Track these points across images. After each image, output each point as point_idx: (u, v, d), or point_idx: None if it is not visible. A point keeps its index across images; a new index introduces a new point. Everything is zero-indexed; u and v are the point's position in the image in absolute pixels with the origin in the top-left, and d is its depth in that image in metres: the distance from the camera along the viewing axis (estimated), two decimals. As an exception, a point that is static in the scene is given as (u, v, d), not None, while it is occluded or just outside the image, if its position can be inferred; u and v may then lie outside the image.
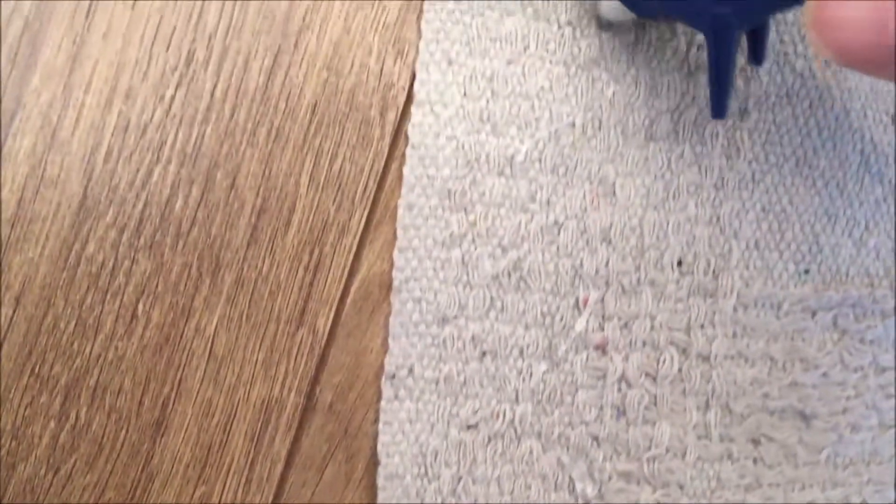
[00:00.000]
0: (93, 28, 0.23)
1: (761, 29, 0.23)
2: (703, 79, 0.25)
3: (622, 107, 0.25)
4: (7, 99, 0.23)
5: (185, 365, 0.23)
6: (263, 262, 0.24)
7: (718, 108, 0.22)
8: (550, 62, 0.24)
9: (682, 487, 0.25)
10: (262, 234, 0.24)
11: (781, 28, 0.25)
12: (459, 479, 0.24)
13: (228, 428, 0.24)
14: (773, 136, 0.25)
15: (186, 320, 0.24)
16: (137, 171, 0.23)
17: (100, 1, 0.23)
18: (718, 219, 0.25)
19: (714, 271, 0.25)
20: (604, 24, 0.24)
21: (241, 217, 0.24)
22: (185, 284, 0.24)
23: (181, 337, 0.24)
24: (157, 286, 0.23)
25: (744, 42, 0.24)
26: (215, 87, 0.24)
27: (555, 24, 0.24)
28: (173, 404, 0.23)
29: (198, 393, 0.24)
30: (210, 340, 0.24)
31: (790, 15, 0.25)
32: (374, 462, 0.24)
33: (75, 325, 0.23)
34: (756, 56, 0.23)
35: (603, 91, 0.24)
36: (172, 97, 0.23)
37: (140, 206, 0.23)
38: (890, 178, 0.26)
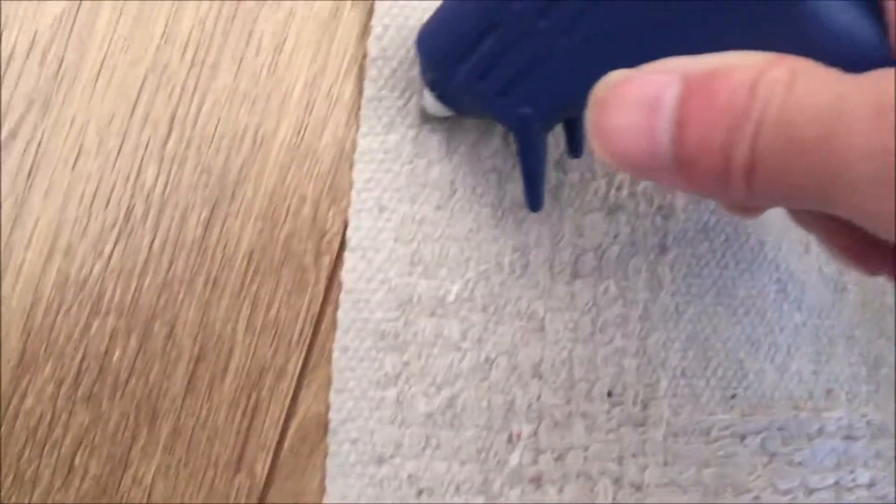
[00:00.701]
0: (34, 188, 0.24)
1: (575, 124, 0.24)
2: (623, 217, 0.26)
3: (548, 246, 0.26)
4: (-52, 257, 0.23)
5: (122, 515, 0.24)
6: (201, 408, 0.24)
7: (532, 201, 0.24)
8: (478, 205, 0.25)
9: None
10: (200, 381, 0.24)
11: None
12: None
13: (167, 576, 0.24)
14: (693, 269, 0.26)
15: (124, 470, 0.24)
16: (76, 324, 0.24)
17: (41, 162, 0.24)
18: (645, 350, 0.26)
19: (643, 401, 0.26)
20: (427, 118, 0.25)
21: (179, 365, 0.24)
22: (123, 434, 0.24)
23: (118, 487, 0.24)
24: (94, 437, 0.24)
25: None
26: (153, 240, 0.24)
27: (480, 169, 0.26)
28: (111, 554, 0.24)
29: (135, 543, 0.24)
30: (147, 490, 0.24)
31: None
32: None
33: (13, 479, 0.23)
34: (573, 149, 0.24)
35: (529, 232, 0.26)
36: (111, 252, 0.24)
37: (78, 358, 0.24)
38: (807, 304, 0.27)
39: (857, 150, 0.14)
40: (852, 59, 0.15)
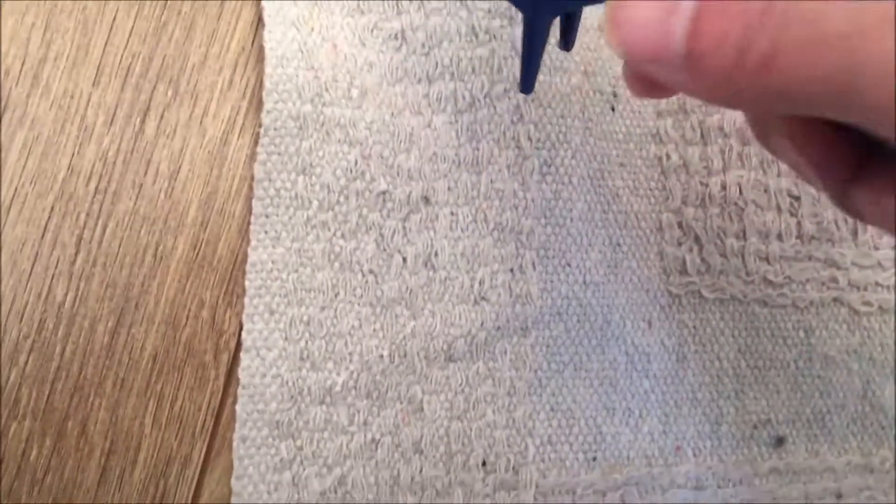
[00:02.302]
0: (-48, 309, 0.27)
1: (573, 19, 0.26)
2: (487, 307, 0.30)
3: (423, 336, 0.29)
4: None
5: None
6: (113, 497, 0.27)
7: (526, 85, 0.27)
8: (358, 304, 0.29)
9: None
10: (112, 473, 0.27)
11: (540, 259, 0.30)
12: None
13: None
14: (552, 348, 0.30)
15: (42, 561, 0.26)
16: (-6, 430, 0.26)
17: (-41, 284, 0.27)
18: (514, 421, 0.30)
19: (514, 467, 0.29)
20: None
21: (92, 460, 0.27)
22: (41, 529, 0.26)
23: (37, 577, 0.26)
24: (14, 533, 0.26)
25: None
26: (64, 349, 0.27)
27: (359, 272, 0.29)
28: None
29: None
30: (64, 578, 0.26)
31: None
32: None
33: (-63, 577, 0.26)
34: (566, 43, 0.27)
35: (405, 325, 0.29)
36: (26, 361, 0.27)
37: (-3, 461, 0.26)
38: (653, 372, 0.31)
39: (883, 49, 0.14)
40: None
